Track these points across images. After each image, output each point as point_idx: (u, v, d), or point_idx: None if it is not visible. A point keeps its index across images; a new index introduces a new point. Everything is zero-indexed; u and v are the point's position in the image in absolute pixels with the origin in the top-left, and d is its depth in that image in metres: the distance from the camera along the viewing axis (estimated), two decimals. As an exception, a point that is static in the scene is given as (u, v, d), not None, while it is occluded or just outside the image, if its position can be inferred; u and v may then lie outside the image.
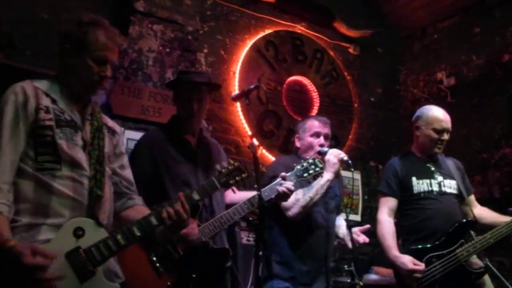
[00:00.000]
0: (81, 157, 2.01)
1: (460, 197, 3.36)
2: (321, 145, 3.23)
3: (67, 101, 2.08)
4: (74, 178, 1.97)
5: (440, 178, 3.33)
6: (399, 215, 3.37)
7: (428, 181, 3.31)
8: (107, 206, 2.07)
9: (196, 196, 2.18)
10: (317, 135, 3.28)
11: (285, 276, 3.04)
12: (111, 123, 2.31)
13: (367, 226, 3.24)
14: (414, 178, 3.32)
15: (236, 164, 2.38)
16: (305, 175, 2.90)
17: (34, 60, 3.95)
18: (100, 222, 1.98)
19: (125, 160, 2.30)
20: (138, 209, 2.23)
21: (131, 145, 4.34)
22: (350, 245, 3.11)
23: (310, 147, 3.27)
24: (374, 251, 5.33)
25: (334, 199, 3.33)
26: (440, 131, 3.34)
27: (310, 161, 2.93)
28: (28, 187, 1.91)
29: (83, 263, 1.87)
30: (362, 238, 3.12)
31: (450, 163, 3.47)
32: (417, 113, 3.50)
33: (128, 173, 2.29)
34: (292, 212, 3.03)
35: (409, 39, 6.65)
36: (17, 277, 1.72)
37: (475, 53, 5.80)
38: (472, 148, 5.55)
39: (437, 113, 3.40)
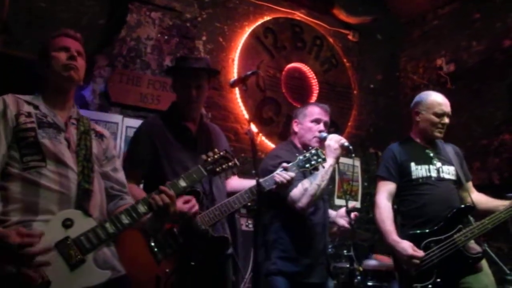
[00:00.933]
0: (66, 153, 2.07)
1: (458, 183, 3.36)
2: (320, 131, 3.22)
3: (50, 107, 2.17)
4: (60, 173, 2.02)
5: (438, 164, 3.33)
6: (398, 201, 3.37)
7: (426, 166, 3.31)
8: (97, 199, 2.11)
9: (182, 183, 2.21)
10: (317, 121, 3.26)
11: (290, 272, 3.00)
12: (99, 128, 2.37)
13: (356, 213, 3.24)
14: (413, 164, 3.31)
15: (222, 153, 2.41)
16: (307, 165, 2.89)
17: (32, 49, 3.94)
18: (89, 213, 2.01)
19: (117, 163, 2.35)
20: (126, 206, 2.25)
21: (130, 132, 4.35)
22: (341, 223, 3.18)
23: (309, 131, 3.24)
24: (374, 238, 5.36)
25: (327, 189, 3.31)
26: (440, 115, 3.34)
27: (313, 151, 2.92)
28: (16, 188, 1.96)
29: (73, 252, 1.90)
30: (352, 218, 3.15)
31: (449, 149, 3.48)
32: (416, 98, 3.50)
33: (120, 175, 2.33)
34: (302, 203, 2.99)
35: (409, 26, 6.61)
36: (5, 266, 1.76)
37: (475, 39, 5.76)
38: (472, 135, 5.54)
39: (436, 97, 3.41)
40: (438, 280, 3.02)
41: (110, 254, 2.10)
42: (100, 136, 2.31)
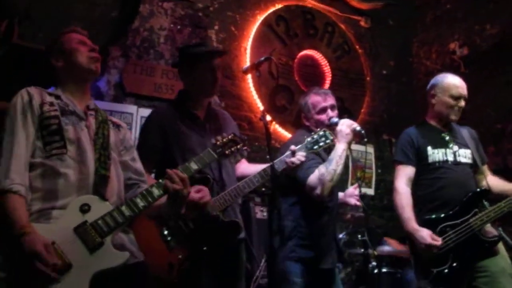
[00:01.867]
0: (85, 140, 2.14)
1: (474, 167, 3.36)
2: (330, 118, 3.22)
3: (70, 97, 2.25)
4: (79, 160, 2.09)
5: (455, 148, 3.32)
6: (414, 185, 3.35)
7: (443, 150, 3.31)
8: (114, 185, 2.17)
9: (194, 166, 2.25)
10: (323, 110, 3.24)
11: (307, 258, 3.04)
12: (115, 119, 2.46)
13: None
14: (429, 148, 3.31)
15: (230, 136, 2.47)
16: (315, 147, 2.90)
17: (47, 41, 3.98)
18: (105, 197, 2.07)
19: (135, 153, 2.42)
20: None
21: (145, 122, 4.40)
22: (352, 202, 3.21)
23: (320, 123, 3.23)
24: (388, 225, 5.38)
25: None
26: (457, 97, 3.33)
27: (321, 133, 2.93)
28: (37, 177, 2.04)
29: (91, 235, 1.97)
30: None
31: (465, 132, 3.46)
32: (432, 81, 3.48)
33: (139, 165, 2.40)
34: (319, 189, 2.97)
35: (421, 10, 6.55)
36: (25, 261, 1.84)
37: (488, 22, 5.70)
38: (486, 119, 5.50)
39: (453, 79, 3.39)
40: (454, 264, 3.05)
41: (127, 241, 2.16)
42: (117, 126, 2.39)
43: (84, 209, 2.00)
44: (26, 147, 2.04)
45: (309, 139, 2.91)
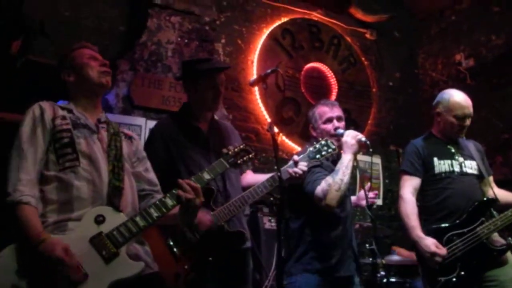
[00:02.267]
0: (98, 153, 2.17)
1: (480, 178, 3.36)
2: (336, 128, 3.24)
3: (81, 111, 2.28)
4: (92, 172, 2.11)
5: (461, 159, 3.33)
6: (420, 196, 3.36)
7: (449, 161, 3.31)
8: (128, 196, 2.19)
9: (207, 176, 2.27)
10: (329, 120, 3.24)
11: (326, 267, 3.01)
12: (127, 131, 2.49)
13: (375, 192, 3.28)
14: (435, 159, 3.31)
15: (242, 146, 2.49)
16: (317, 156, 2.90)
17: (57, 56, 4.05)
18: (119, 209, 2.09)
19: (148, 164, 2.44)
20: None
21: (153, 135, 4.45)
22: (364, 203, 3.19)
23: (326, 134, 3.23)
24: (397, 235, 5.36)
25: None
26: (461, 118, 3.31)
27: (323, 142, 2.93)
28: (52, 189, 2.06)
29: (107, 246, 1.99)
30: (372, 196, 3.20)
31: (471, 145, 3.47)
32: (438, 98, 3.45)
33: (151, 175, 2.42)
34: (327, 199, 2.93)
35: (426, 22, 6.60)
36: (45, 267, 1.87)
37: (494, 33, 5.74)
38: (493, 129, 5.51)
39: (458, 98, 3.35)
40: (462, 273, 3.03)
41: (142, 251, 2.18)
42: (129, 138, 2.42)
43: (99, 220, 2.03)
44: (35, 161, 2.06)
45: (311, 148, 2.91)
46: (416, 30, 6.68)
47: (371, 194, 3.21)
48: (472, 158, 3.37)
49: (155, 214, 2.10)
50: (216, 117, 3.23)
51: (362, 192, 3.29)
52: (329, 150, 2.92)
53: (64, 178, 2.07)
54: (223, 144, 2.92)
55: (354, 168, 3.13)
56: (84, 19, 4.46)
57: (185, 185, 2.13)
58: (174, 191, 2.14)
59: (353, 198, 3.37)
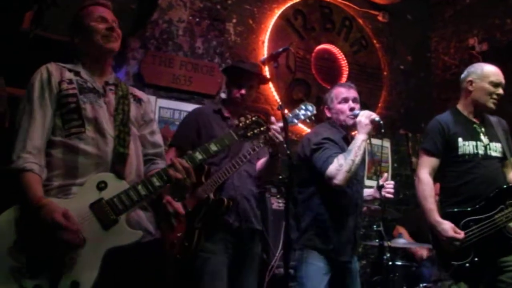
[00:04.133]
0: (104, 118, 2.14)
1: (503, 160, 3.26)
2: (352, 109, 3.22)
3: (90, 73, 2.24)
4: (98, 138, 2.09)
5: (486, 141, 3.23)
6: (439, 175, 3.29)
7: (474, 143, 3.21)
8: (132, 163, 2.16)
9: (199, 156, 2.18)
10: (345, 100, 3.24)
11: (325, 249, 3.05)
12: (138, 92, 2.42)
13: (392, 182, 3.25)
14: (460, 139, 3.21)
15: (254, 117, 2.35)
16: (295, 120, 3.05)
17: (63, 32, 4.05)
18: (122, 176, 2.08)
19: (154, 126, 2.40)
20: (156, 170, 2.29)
21: (163, 113, 4.49)
22: (378, 195, 3.20)
23: (341, 113, 3.23)
24: (403, 218, 5.37)
25: (361, 168, 3.29)
26: (497, 84, 3.26)
27: (302, 106, 3.07)
28: (58, 154, 2.06)
29: (106, 212, 1.98)
30: (389, 191, 3.20)
31: (496, 123, 3.37)
32: (470, 68, 3.40)
33: (157, 138, 2.39)
34: (337, 179, 2.96)
35: (440, 5, 6.51)
36: (44, 231, 1.88)
37: (509, 17, 5.65)
38: (506, 114, 5.44)
39: (492, 67, 3.34)
40: (476, 259, 3.01)
41: (145, 218, 2.18)
42: (139, 100, 2.36)
43: (101, 186, 2.02)
44: (43, 127, 2.05)
45: (290, 114, 3.03)
46: (430, 13, 6.59)
47: (388, 186, 3.20)
48: (497, 140, 3.27)
49: (157, 184, 2.07)
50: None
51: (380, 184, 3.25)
52: (307, 112, 3.05)
53: (70, 144, 2.06)
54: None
55: (364, 151, 3.13)
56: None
57: (177, 165, 2.09)
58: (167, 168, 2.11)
59: (367, 191, 3.36)
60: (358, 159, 2.99)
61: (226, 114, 3.23)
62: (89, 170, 2.05)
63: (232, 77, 3.29)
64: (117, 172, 2.08)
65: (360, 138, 3.03)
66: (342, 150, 3.08)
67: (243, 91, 3.16)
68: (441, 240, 3.05)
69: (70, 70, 2.20)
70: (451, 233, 3.00)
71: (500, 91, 3.26)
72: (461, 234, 3.00)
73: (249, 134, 2.31)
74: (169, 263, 2.56)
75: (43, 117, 2.07)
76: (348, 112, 3.20)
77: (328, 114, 3.33)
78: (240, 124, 2.32)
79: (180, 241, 2.88)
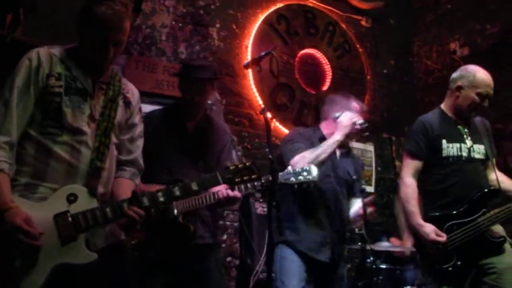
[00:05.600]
0: (85, 127, 2.06)
1: (486, 162, 3.24)
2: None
3: (82, 69, 2.12)
4: (73, 146, 2.02)
5: (469, 143, 3.19)
6: (423, 177, 3.24)
7: (458, 145, 3.17)
8: (104, 176, 2.11)
9: (194, 187, 2.13)
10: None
11: (294, 240, 3.09)
12: (130, 92, 2.30)
13: (371, 197, 3.26)
14: (444, 141, 3.17)
15: (248, 163, 2.23)
16: (292, 178, 2.81)
17: (51, 39, 4.01)
18: (95, 192, 2.04)
19: (136, 131, 2.30)
20: (119, 181, 2.23)
21: (146, 118, 4.44)
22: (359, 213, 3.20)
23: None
24: (388, 222, 5.40)
25: (346, 178, 3.32)
26: (484, 97, 3.17)
27: (306, 167, 2.84)
28: (31, 151, 2.00)
29: (67, 227, 1.94)
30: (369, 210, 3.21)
31: (479, 123, 3.32)
32: (463, 71, 3.28)
33: (136, 145, 2.30)
34: (298, 166, 2.93)
35: (421, 10, 6.58)
36: (5, 235, 1.85)
37: (489, 22, 5.73)
38: (486, 118, 5.49)
39: (485, 76, 3.21)
40: (459, 263, 3.01)
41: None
42: (128, 103, 2.26)
43: (71, 199, 1.98)
44: (19, 120, 1.98)
45: (290, 169, 2.86)
46: (412, 18, 6.66)
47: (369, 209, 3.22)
48: (480, 141, 3.23)
49: (126, 209, 2.03)
50: (213, 116, 3.23)
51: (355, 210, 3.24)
52: (308, 176, 2.80)
53: (44, 143, 2.00)
54: (206, 144, 2.99)
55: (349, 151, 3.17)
56: (80, 1, 4.42)
57: (133, 211, 2.03)
58: (133, 198, 2.06)
59: (352, 211, 3.31)
60: (323, 156, 3.02)
61: (183, 121, 3.06)
62: (59, 176, 2.00)
63: (180, 78, 3.07)
64: (91, 186, 2.03)
65: (334, 138, 3.07)
66: (312, 146, 3.10)
67: (196, 98, 2.98)
68: (424, 243, 3.06)
69: (62, 61, 2.09)
70: (432, 236, 3.00)
71: (485, 103, 3.18)
72: (443, 237, 3.01)
73: (237, 180, 2.20)
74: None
75: (23, 110, 1.99)
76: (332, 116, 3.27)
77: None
78: (231, 167, 2.21)
79: (133, 248, 2.71)
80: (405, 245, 4.47)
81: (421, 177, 3.25)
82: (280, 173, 2.81)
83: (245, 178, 2.19)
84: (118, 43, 2.09)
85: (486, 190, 3.10)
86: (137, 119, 2.31)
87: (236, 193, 2.75)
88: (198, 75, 2.96)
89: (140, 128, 2.33)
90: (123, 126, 2.24)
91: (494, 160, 3.34)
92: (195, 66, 3.05)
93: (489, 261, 3.02)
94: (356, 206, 3.27)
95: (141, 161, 2.34)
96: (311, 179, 2.80)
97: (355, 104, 3.31)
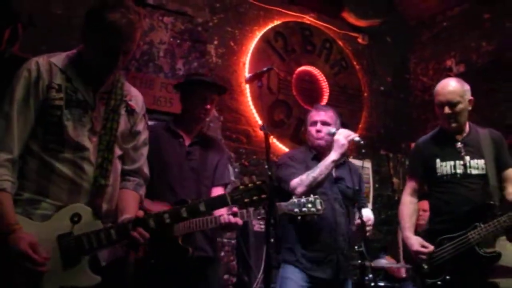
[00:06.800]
0: (86, 142, 2.01)
1: (487, 177, 3.18)
2: (317, 131, 3.27)
3: (83, 79, 2.06)
4: (75, 162, 1.98)
5: (467, 158, 3.19)
6: (429, 195, 3.41)
7: (452, 163, 3.20)
8: (108, 192, 2.07)
9: (202, 208, 2.09)
10: (314, 123, 3.35)
11: (290, 260, 3.12)
12: (134, 99, 2.23)
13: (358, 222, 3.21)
14: (438, 160, 3.23)
15: (258, 182, 2.16)
16: (295, 209, 2.82)
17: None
18: (99, 211, 1.99)
19: (141, 139, 2.24)
20: (124, 193, 2.19)
21: (144, 135, 4.44)
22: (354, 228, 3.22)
23: (310, 135, 3.38)
24: (386, 239, 5.38)
25: (345, 191, 3.33)
26: (440, 106, 3.20)
27: (311, 199, 2.84)
28: (33, 166, 1.96)
29: (71, 249, 1.91)
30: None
31: (484, 136, 3.26)
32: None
33: (140, 153, 2.24)
34: (298, 191, 3.05)
35: (418, 28, 6.63)
36: (9, 259, 1.82)
37: (485, 40, 5.77)
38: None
39: (439, 86, 3.25)
40: (448, 277, 3.03)
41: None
42: (131, 111, 2.19)
43: (74, 220, 1.93)
44: (20, 135, 1.93)
45: (295, 199, 2.86)
46: (408, 35, 6.71)
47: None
48: (479, 156, 3.19)
49: (131, 231, 1.98)
50: (209, 132, 3.27)
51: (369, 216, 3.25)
52: (312, 209, 2.81)
53: (46, 160, 1.95)
54: (202, 159, 3.02)
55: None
56: (76, 18, 4.44)
57: (138, 232, 1.98)
58: (138, 221, 2.01)
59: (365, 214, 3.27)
60: (321, 178, 3.05)
61: (181, 134, 3.08)
62: (62, 192, 1.96)
63: (193, 92, 3.08)
64: (95, 206, 1.99)
65: (330, 158, 3.08)
66: (307, 168, 3.11)
67: (208, 106, 3.03)
68: (412, 254, 3.15)
69: (62, 72, 2.03)
70: (416, 247, 3.10)
71: (446, 110, 3.16)
72: (428, 248, 3.07)
73: (246, 200, 2.13)
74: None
75: (23, 123, 1.94)
76: (314, 135, 3.26)
77: (306, 136, 3.42)
78: (240, 187, 2.15)
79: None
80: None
81: (428, 195, 3.42)
82: (284, 203, 2.82)
83: (254, 198, 2.13)
84: (127, 52, 2.04)
85: (479, 204, 3.11)
86: (141, 126, 2.24)
87: (238, 220, 2.74)
88: (216, 82, 3.09)
89: (144, 136, 2.27)
90: (127, 135, 2.18)
91: (509, 171, 3.25)
92: (200, 75, 3.21)
93: (498, 280, 3.01)
94: (368, 212, 3.30)
95: (145, 170, 2.29)
96: (316, 212, 2.81)
97: (312, 112, 3.40)
